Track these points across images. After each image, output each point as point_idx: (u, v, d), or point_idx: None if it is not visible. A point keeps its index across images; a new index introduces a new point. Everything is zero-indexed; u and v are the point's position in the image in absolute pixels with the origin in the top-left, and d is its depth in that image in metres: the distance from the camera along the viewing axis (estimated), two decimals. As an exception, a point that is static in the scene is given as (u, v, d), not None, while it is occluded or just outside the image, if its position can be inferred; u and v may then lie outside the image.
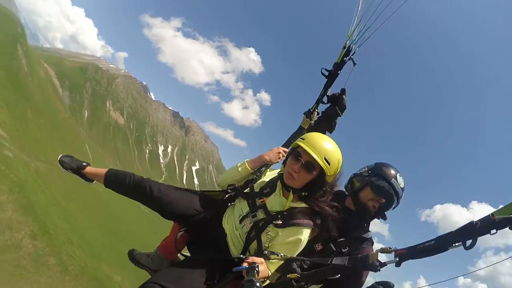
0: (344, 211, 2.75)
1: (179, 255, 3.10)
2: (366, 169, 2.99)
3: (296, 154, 2.58)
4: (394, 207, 2.91)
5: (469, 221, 1.83)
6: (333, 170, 2.56)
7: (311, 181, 2.58)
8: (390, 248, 2.13)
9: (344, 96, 3.29)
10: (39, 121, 50.72)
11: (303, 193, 2.65)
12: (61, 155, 3.29)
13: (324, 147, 2.53)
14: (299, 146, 2.58)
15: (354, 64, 3.30)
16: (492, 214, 1.77)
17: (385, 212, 2.93)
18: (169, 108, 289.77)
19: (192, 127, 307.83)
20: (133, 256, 3.29)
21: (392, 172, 2.85)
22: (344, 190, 3.08)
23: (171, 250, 3.16)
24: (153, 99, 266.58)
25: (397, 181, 2.81)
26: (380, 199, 2.83)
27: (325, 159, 2.50)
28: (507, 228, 1.71)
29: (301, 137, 2.69)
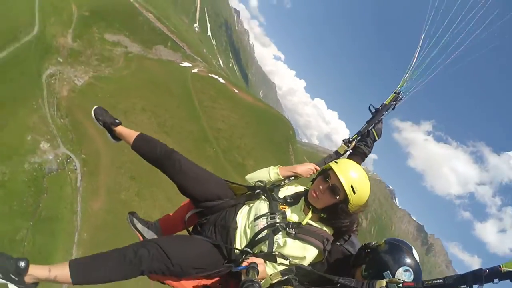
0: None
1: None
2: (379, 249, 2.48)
3: (325, 175, 2.60)
4: None
5: (479, 268, 1.93)
6: (357, 200, 2.52)
7: (333, 205, 2.55)
8: (398, 279, 2.17)
9: (381, 123, 3.49)
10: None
11: (322, 215, 2.62)
12: (96, 106, 3.21)
13: (354, 175, 2.53)
14: (330, 168, 2.59)
15: (393, 108, 3.57)
16: (500, 265, 1.85)
17: None
18: (414, 219, 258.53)
19: (436, 247, 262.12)
20: (132, 218, 3.14)
21: (401, 265, 2.37)
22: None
23: (172, 226, 3.16)
24: (398, 206, 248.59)
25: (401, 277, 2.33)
26: None
27: (351, 186, 2.48)
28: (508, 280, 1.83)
29: (335, 160, 2.77)
